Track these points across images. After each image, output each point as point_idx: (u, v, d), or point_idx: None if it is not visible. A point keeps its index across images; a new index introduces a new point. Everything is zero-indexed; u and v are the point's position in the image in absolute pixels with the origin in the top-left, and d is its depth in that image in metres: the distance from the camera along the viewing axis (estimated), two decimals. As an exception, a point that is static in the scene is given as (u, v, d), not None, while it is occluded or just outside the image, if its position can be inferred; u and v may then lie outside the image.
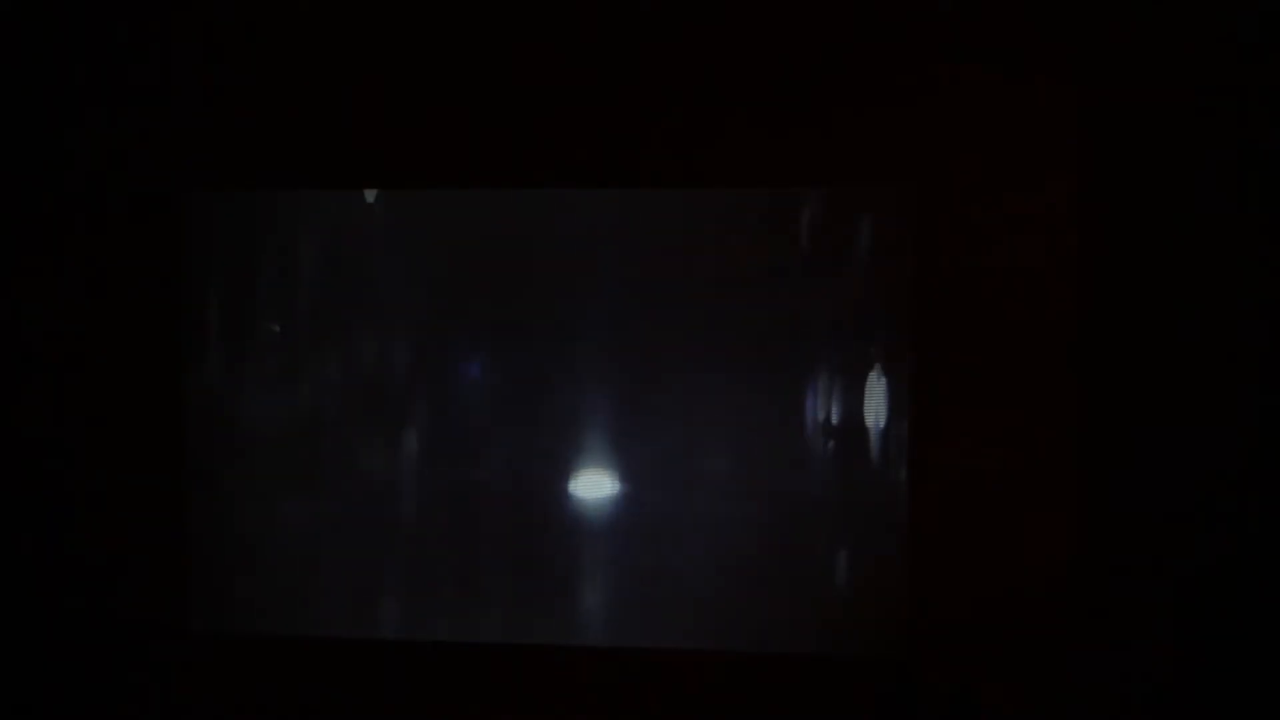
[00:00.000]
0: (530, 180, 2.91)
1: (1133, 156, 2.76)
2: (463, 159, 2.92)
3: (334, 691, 2.97)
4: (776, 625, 2.89)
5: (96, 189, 2.98)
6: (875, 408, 2.88)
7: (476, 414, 2.98)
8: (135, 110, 2.96)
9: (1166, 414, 2.73)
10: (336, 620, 3.00)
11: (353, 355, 3.01)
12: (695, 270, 2.92)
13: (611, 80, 2.87)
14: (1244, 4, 2.67)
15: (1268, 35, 2.64)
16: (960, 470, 2.81)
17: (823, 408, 2.89)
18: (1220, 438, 2.68)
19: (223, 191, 3.00)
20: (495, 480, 2.98)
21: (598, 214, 2.95)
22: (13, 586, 3.01)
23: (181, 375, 3.00)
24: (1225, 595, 2.66)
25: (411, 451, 2.99)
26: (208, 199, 3.00)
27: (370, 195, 3.01)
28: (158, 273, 2.99)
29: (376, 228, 3.02)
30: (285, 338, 3.03)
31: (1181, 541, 2.70)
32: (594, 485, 2.96)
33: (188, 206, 2.99)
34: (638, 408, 2.95)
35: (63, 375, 3.00)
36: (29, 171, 2.99)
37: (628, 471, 2.95)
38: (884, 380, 2.87)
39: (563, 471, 2.96)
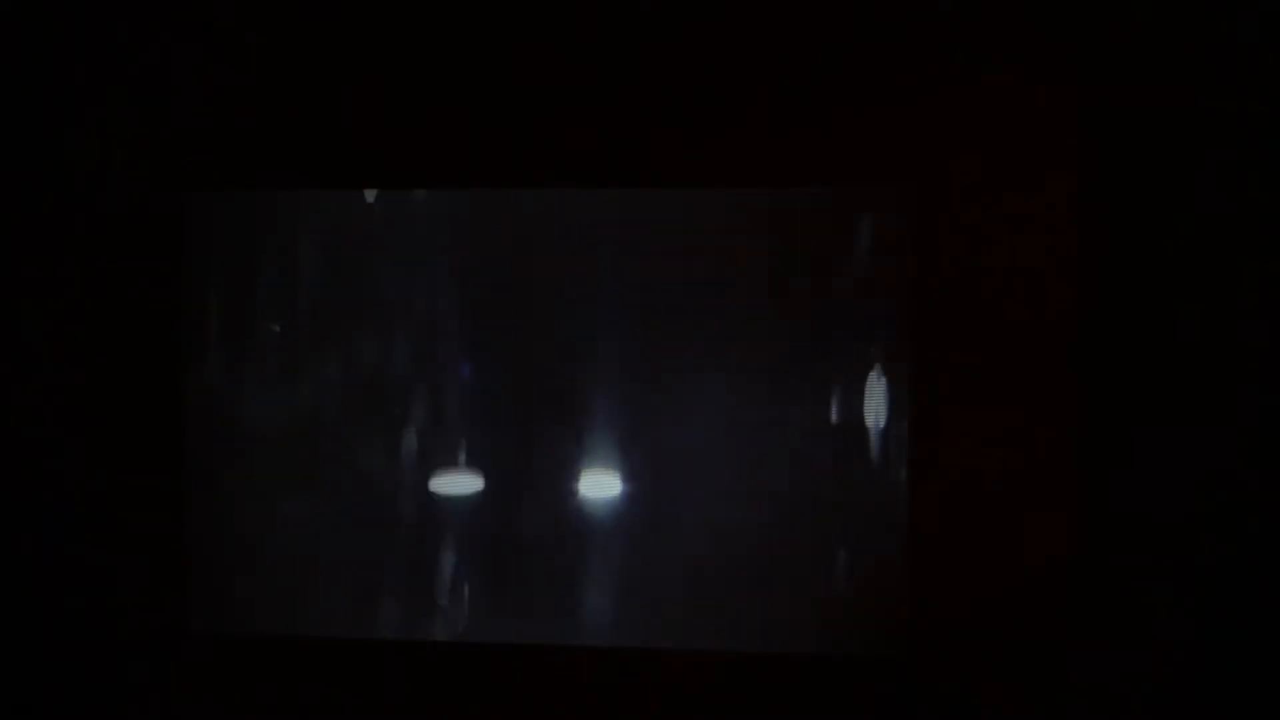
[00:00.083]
0: (530, 180, 2.91)
1: (1133, 156, 2.76)
2: (463, 159, 2.92)
3: (334, 691, 2.97)
4: (776, 625, 2.89)
5: (96, 189, 2.98)
6: (875, 408, 2.87)
7: (476, 414, 2.98)
8: (135, 110, 2.96)
9: (1166, 414, 2.73)
10: (336, 620, 3.00)
11: (353, 355, 3.01)
12: (695, 270, 2.92)
13: (611, 80, 2.87)
14: (1244, 4, 2.67)
15: (1268, 35, 2.63)
16: (960, 470, 2.80)
17: (822, 408, 2.89)
18: (1220, 438, 2.68)
19: (223, 191, 3.00)
20: (495, 480, 2.98)
21: (598, 214, 2.95)
22: (13, 586, 3.01)
23: (181, 375, 3.00)
24: (1225, 595, 2.66)
25: (411, 451, 2.99)
26: (208, 199, 3.00)
27: (370, 195, 3.01)
28: (158, 273, 2.99)
29: (376, 228, 3.02)
30: (285, 338, 3.03)
31: (1181, 541, 2.70)
32: (593, 485, 2.96)
33: (188, 206, 2.99)
34: (637, 407, 2.95)
35: (63, 375, 3.00)
36: (29, 171, 2.99)
37: (627, 471, 2.95)
38: (884, 380, 2.87)
39: (562, 471, 2.96)
